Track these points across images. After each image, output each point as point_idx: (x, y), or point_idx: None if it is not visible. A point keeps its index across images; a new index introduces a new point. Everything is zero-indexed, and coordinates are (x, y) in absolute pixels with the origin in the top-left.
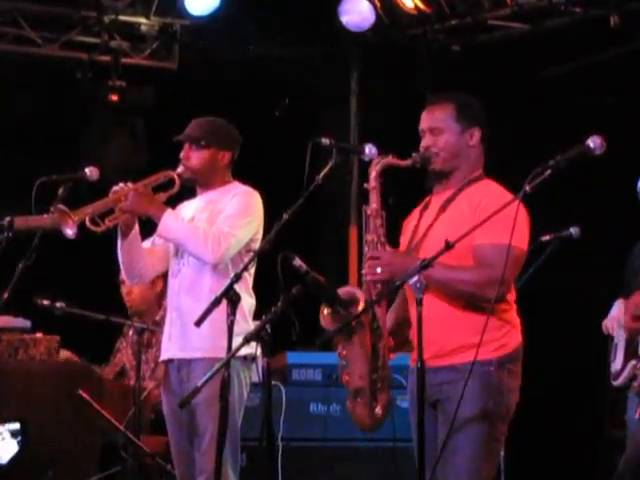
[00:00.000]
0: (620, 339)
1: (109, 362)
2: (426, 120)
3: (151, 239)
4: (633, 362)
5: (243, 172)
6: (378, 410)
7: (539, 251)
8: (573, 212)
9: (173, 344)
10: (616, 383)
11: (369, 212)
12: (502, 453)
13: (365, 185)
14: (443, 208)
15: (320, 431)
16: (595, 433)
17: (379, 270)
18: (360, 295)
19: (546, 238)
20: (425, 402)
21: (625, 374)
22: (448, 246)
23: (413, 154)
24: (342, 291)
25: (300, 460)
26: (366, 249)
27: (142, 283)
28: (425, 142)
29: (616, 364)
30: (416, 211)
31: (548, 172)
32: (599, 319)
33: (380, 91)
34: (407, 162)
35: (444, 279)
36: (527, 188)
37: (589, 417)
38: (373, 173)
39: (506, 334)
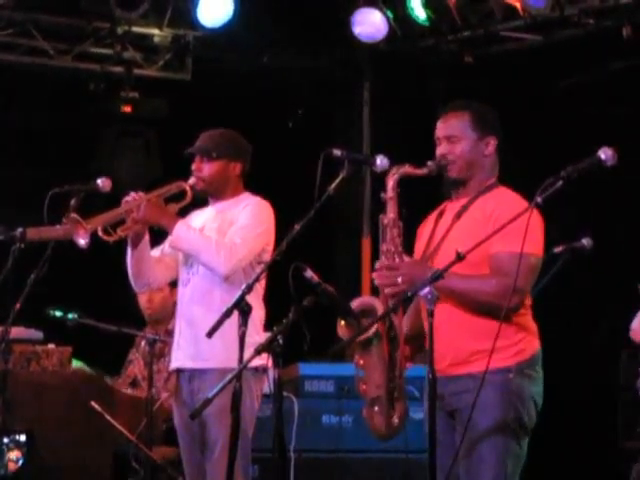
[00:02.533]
0: None
1: (121, 374)
2: (442, 128)
3: (160, 247)
4: None
5: (256, 183)
6: (395, 419)
7: (551, 263)
8: (585, 223)
9: (183, 353)
10: None
11: (386, 222)
12: None
13: (382, 194)
14: (458, 216)
15: (332, 442)
16: (608, 444)
17: (399, 280)
18: (378, 305)
19: (559, 249)
20: (443, 411)
21: None
22: (459, 257)
23: (428, 162)
24: (359, 301)
25: (312, 472)
26: (382, 259)
27: (153, 293)
28: (441, 150)
29: None
30: (431, 218)
31: (560, 183)
32: (611, 330)
33: (393, 102)
34: (423, 171)
35: (461, 289)
36: (538, 199)
37: (603, 428)
38: (391, 183)
39: (523, 339)
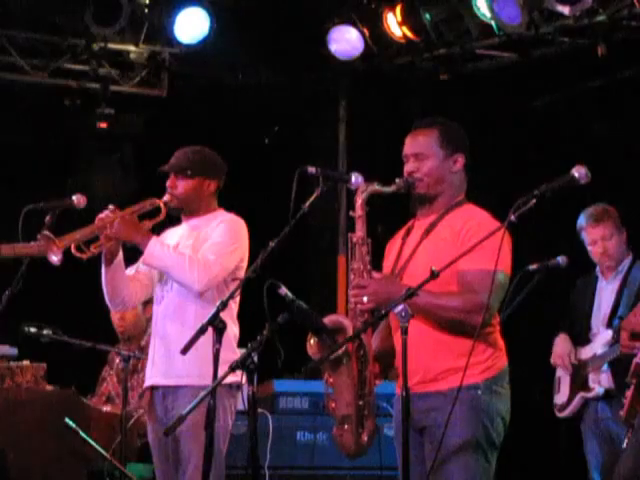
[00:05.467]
0: (563, 372)
1: (95, 392)
2: (410, 145)
3: (135, 266)
4: (581, 394)
5: (231, 199)
6: (364, 437)
7: (526, 280)
8: (560, 241)
9: (157, 370)
10: (562, 415)
11: (355, 240)
12: None
13: (351, 213)
14: (426, 233)
15: (307, 459)
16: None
17: (365, 299)
18: (347, 323)
19: (533, 267)
20: (412, 429)
21: (572, 407)
22: (433, 275)
23: (397, 180)
24: (329, 319)
25: None
26: (352, 277)
27: (126, 311)
28: (409, 167)
29: (561, 396)
30: (399, 235)
31: (533, 201)
32: None
33: (368, 119)
34: (391, 188)
35: (429, 306)
36: (512, 217)
37: (573, 444)
38: (359, 201)
39: (491, 356)
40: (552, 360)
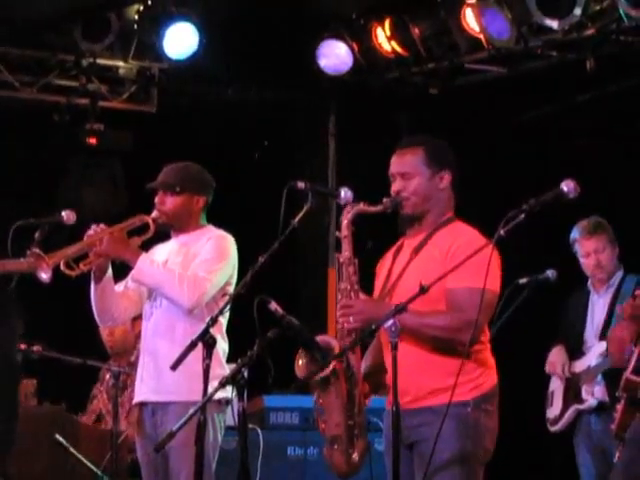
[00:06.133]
0: (557, 385)
1: (86, 410)
2: (396, 165)
3: (124, 282)
4: (575, 406)
5: (220, 215)
6: (355, 457)
7: (516, 294)
8: (550, 255)
9: (146, 387)
10: (554, 428)
11: (342, 260)
12: None
13: (337, 234)
14: (415, 252)
15: (298, 475)
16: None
17: (351, 319)
18: (335, 344)
19: (523, 281)
20: (401, 444)
21: (565, 420)
22: (423, 290)
23: (384, 199)
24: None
25: None
26: (339, 297)
27: (114, 326)
28: (396, 187)
29: (554, 410)
30: (389, 254)
31: (522, 216)
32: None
33: (358, 134)
34: (378, 208)
35: (416, 325)
36: (501, 232)
37: (564, 460)
38: (345, 221)
39: (481, 375)
40: (547, 369)
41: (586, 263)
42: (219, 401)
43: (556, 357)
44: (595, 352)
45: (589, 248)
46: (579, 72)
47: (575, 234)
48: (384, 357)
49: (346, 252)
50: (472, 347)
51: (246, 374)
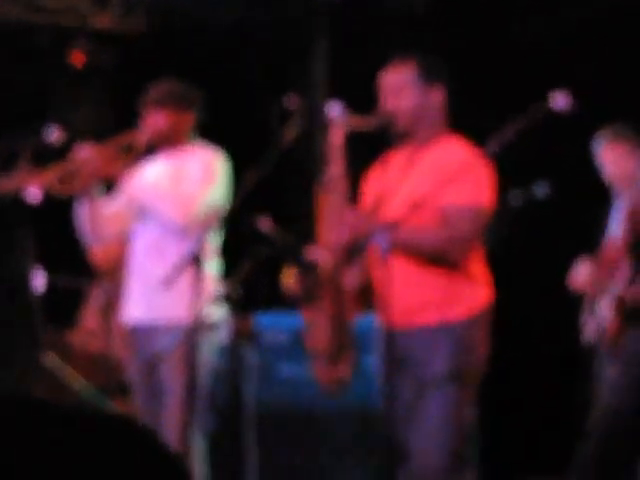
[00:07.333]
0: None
1: (76, 327)
2: (387, 80)
3: (114, 201)
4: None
5: (210, 133)
6: (342, 373)
7: (507, 210)
8: (542, 173)
9: (136, 307)
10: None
11: (332, 175)
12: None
13: (328, 144)
14: (406, 167)
15: (291, 394)
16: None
17: (341, 233)
18: (324, 257)
19: (515, 196)
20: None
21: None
22: (415, 205)
23: (374, 115)
24: (306, 252)
25: (270, 423)
26: (329, 211)
27: (104, 246)
28: (387, 102)
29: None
30: (377, 168)
31: (515, 131)
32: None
33: (350, 53)
34: (370, 122)
35: (408, 240)
36: (493, 148)
37: (564, 375)
38: (336, 135)
39: (474, 291)
40: (571, 285)
41: (609, 171)
42: (211, 320)
43: (581, 272)
44: None
45: (612, 155)
46: None
47: (598, 142)
48: (373, 275)
49: (338, 165)
50: (464, 263)
51: (240, 290)
